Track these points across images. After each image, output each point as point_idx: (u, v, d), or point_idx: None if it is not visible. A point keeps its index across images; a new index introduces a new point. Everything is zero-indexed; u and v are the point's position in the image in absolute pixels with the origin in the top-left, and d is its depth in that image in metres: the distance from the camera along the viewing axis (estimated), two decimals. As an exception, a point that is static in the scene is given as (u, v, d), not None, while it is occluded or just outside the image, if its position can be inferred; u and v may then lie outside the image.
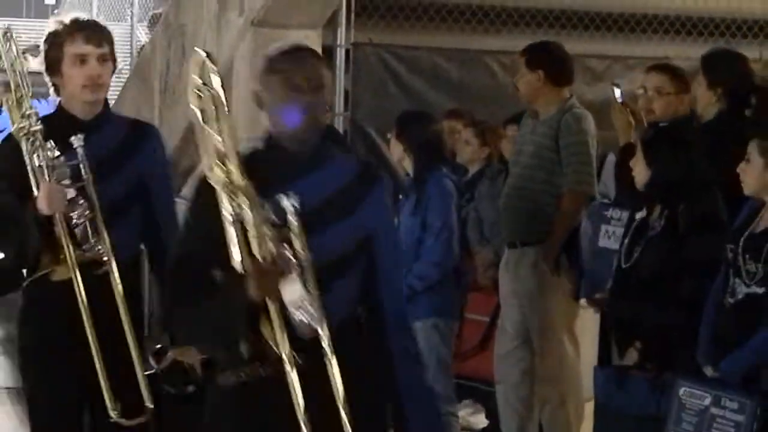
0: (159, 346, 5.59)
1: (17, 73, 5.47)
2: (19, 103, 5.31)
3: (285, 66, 4.53)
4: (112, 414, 5.46)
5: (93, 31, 5.67)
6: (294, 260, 4.29)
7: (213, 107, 4.36)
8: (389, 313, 4.64)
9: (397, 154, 8.67)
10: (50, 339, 5.56)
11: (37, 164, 5.34)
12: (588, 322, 8.55)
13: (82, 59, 5.57)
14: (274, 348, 4.34)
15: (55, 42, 5.62)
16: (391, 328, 4.63)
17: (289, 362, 4.29)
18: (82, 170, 5.38)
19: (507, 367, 8.83)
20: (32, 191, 5.34)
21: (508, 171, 9.06)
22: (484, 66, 12.56)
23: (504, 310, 8.91)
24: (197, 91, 4.36)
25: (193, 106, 4.37)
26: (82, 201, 5.32)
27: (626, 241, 7.16)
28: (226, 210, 4.30)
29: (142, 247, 6.00)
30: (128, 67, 17.08)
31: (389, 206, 4.92)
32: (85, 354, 5.42)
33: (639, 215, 7.11)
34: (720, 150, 6.99)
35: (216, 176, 4.35)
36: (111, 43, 5.74)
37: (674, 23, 12.80)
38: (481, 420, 10.02)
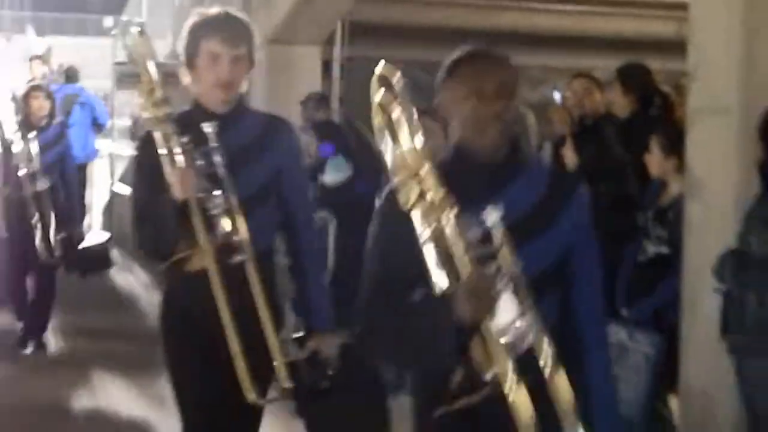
0: (298, 335, 4.76)
1: (148, 65, 4.53)
2: (151, 92, 4.46)
3: (472, 71, 3.62)
4: (249, 396, 4.49)
5: (231, 32, 4.65)
6: (505, 277, 3.25)
7: (401, 121, 3.54)
8: (588, 332, 3.57)
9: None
10: (191, 324, 4.60)
11: (170, 152, 4.42)
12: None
13: (215, 58, 4.58)
14: (488, 372, 3.23)
15: (193, 36, 4.65)
16: (592, 346, 3.57)
17: (510, 384, 3.19)
18: (215, 157, 4.46)
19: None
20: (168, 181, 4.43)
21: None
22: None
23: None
24: (380, 108, 3.54)
25: (378, 124, 3.55)
26: (217, 192, 4.39)
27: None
28: (422, 226, 3.30)
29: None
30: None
31: (587, 220, 3.83)
32: (222, 340, 4.47)
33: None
34: (634, 141, 7.01)
35: (406, 192, 3.37)
36: (249, 43, 4.69)
37: (597, 41, 12.81)
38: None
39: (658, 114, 7.65)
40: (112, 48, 22.24)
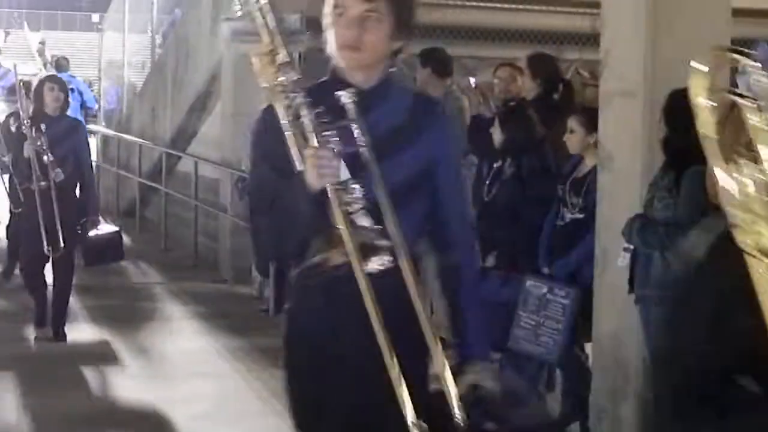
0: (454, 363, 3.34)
1: (267, 26, 3.07)
2: (273, 56, 3.06)
3: None
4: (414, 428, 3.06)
5: None
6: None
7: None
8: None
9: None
10: (320, 337, 3.25)
11: (297, 129, 3.09)
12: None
13: (339, 13, 3.23)
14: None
15: None
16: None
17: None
18: (356, 133, 3.14)
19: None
20: (296, 166, 3.10)
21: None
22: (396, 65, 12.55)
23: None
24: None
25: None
26: (355, 184, 3.06)
27: (487, 182, 7.21)
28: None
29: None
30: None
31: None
32: (361, 356, 3.16)
33: (496, 165, 7.15)
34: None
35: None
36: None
37: (523, 34, 12.81)
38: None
39: (560, 98, 7.77)
40: (99, 41, 22.02)
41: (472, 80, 8.40)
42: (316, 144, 3.04)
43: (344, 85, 3.18)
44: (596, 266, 6.16)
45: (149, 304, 10.14)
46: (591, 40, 12.30)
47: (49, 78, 9.10)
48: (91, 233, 8.80)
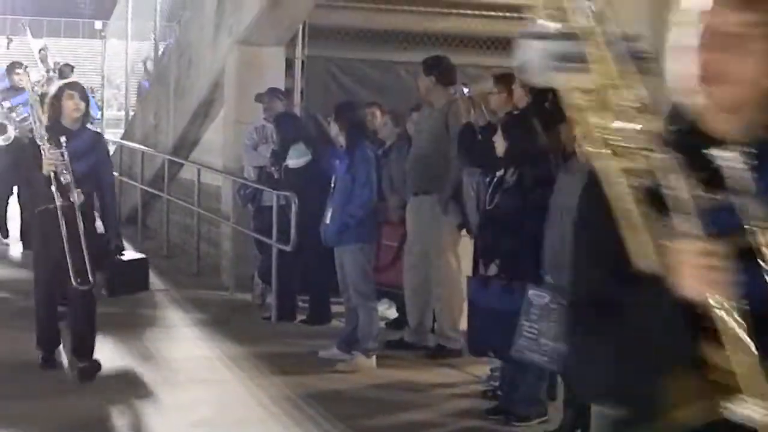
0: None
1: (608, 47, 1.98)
2: (614, 93, 1.93)
3: None
4: None
5: None
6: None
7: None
8: None
9: (334, 131, 8.67)
10: None
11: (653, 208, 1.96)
12: (466, 244, 8.61)
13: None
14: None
15: None
16: None
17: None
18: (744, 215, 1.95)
19: (411, 276, 8.89)
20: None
21: (411, 144, 9.10)
22: (396, 72, 12.59)
23: (409, 238, 8.95)
24: None
25: None
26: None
27: (489, 191, 7.21)
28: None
29: None
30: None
31: None
32: None
33: (498, 173, 7.16)
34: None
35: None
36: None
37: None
38: (393, 313, 10.06)
39: (551, 107, 7.76)
40: (101, 48, 22.05)
41: (466, 90, 8.42)
42: (697, 231, 1.96)
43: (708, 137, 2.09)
44: (598, 275, 6.14)
45: (151, 311, 10.14)
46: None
47: (69, 85, 8.01)
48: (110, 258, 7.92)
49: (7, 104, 12.88)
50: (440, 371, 8.27)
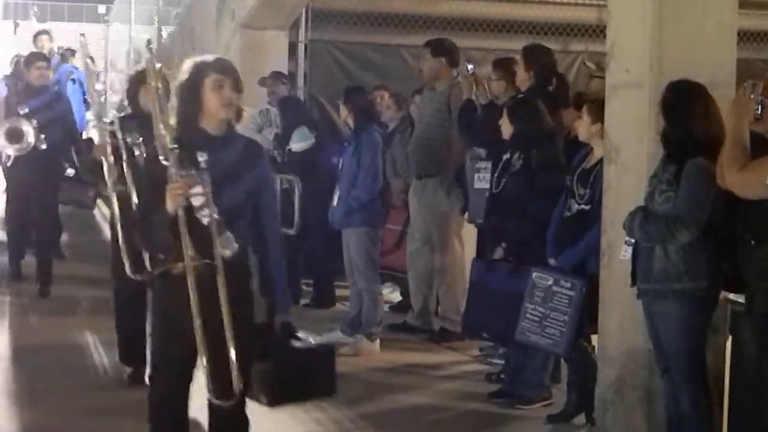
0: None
1: None
2: None
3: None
4: None
5: None
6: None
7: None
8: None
9: (344, 114, 8.65)
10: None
11: None
12: (470, 229, 8.60)
13: None
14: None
15: None
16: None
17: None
18: None
19: (415, 260, 8.89)
20: None
21: (414, 126, 9.08)
22: (399, 55, 12.55)
23: (412, 221, 8.95)
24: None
25: None
26: None
27: (496, 175, 7.20)
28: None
29: None
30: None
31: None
32: None
33: (505, 157, 7.14)
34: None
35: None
36: None
37: (528, 26, 12.80)
38: (397, 296, 10.06)
39: (554, 90, 7.75)
40: (105, 33, 22.01)
41: (470, 66, 8.39)
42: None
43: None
44: (602, 258, 6.14)
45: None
46: (597, 31, 12.32)
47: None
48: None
49: (24, 110, 9.98)
50: (444, 355, 8.27)
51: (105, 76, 20.52)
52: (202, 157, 4.38)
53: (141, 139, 6.07)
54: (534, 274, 6.51)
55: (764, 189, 4.76)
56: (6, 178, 10.54)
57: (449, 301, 8.73)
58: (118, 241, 6.69)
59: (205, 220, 4.41)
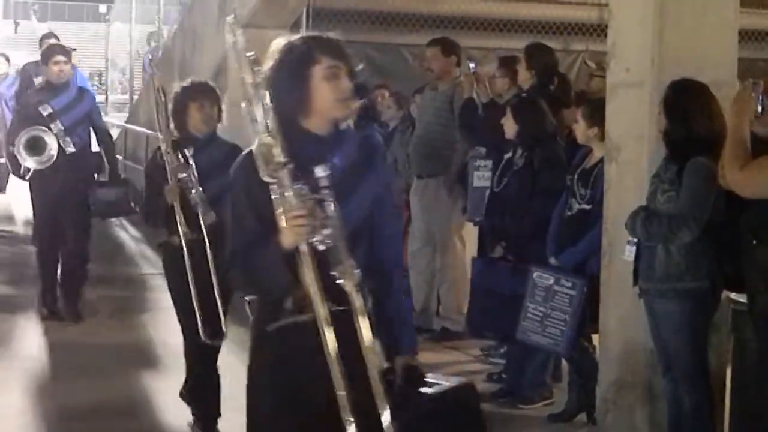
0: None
1: None
2: None
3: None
4: None
5: None
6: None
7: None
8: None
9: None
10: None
11: None
12: (471, 228, 8.60)
13: None
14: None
15: None
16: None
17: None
18: None
19: (416, 259, 8.88)
20: None
21: (414, 126, 9.08)
22: (400, 55, 12.56)
23: (413, 220, 8.94)
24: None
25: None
26: None
27: (497, 173, 7.21)
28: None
29: None
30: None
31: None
32: None
33: (507, 156, 7.14)
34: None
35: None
36: None
37: (529, 25, 12.80)
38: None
39: (555, 89, 7.75)
40: (106, 32, 22.00)
41: (472, 65, 8.38)
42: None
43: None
44: (603, 257, 6.14)
45: (151, 294, 10.12)
46: (598, 31, 12.31)
47: (196, 87, 6.17)
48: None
49: (46, 110, 8.79)
50: (445, 354, 8.26)
51: (106, 75, 20.54)
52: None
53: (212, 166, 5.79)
54: (535, 274, 6.51)
55: (765, 188, 4.76)
56: (30, 189, 9.08)
57: (450, 300, 8.73)
58: (189, 299, 5.90)
59: (194, 200, 5.47)
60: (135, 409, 6.82)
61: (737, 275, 5.22)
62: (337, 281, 3.32)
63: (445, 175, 8.61)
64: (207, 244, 5.81)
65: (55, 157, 8.68)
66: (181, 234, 5.85)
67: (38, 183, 8.86)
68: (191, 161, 5.87)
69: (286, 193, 3.27)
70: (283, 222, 3.26)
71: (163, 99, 6.12)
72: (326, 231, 3.29)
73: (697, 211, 5.29)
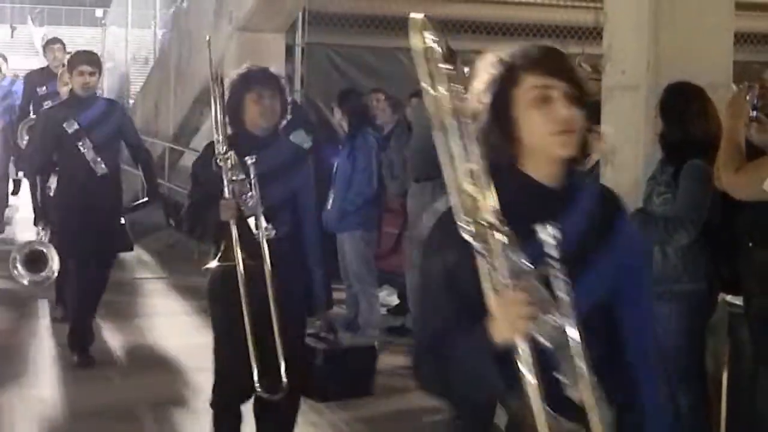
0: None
1: None
2: None
3: None
4: None
5: None
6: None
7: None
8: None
9: (338, 117, 8.66)
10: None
11: None
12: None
13: None
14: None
15: None
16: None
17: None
18: None
19: (414, 263, 8.88)
20: None
21: (411, 129, 9.08)
22: (396, 58, 12.54)
23: (410, 224, 8.94)
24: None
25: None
26: None
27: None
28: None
29: None
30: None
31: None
32: None
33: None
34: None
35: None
36: None
37: (525, 28, 12.80)
38: (395, 299, 10.04)
39: None
40: (102, 36, 21.98)
41: (466, 69, 8.39)
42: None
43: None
44: (599, 260, 6.11)
45: (152, 299, 10.12)
46: (594, 34, 12.32)
47: (255, 74, 5.15)
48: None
49: (72, 126, 7.74)
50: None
51: (103, 79, 20.53)
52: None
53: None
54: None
55: (760, 191, 4.76)
56: (50, 221, 8.03)
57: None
58: (242, 340, 4.92)
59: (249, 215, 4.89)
60: (133, 413, 6.82)
61: (733, 277, 5.22)
62: (567, 394, 2.40)
63: (441, 178, 8.60)
64: (268, 270, 4.84)
65: (52, 279, 7.90)
66: (237, 259, 4.87)
67: (64, 213, 7.75)
68: (250, 165, 4.88)
69: (498, 265, 2.36)
70: (494, 305, 2.36)
71: (219, 90, 5.08)
72: (554, 321, 2.38)
73: (694, 213, 5.29)
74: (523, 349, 2.32)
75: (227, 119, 5.02)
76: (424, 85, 2.44)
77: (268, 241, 4.85)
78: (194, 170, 5.33)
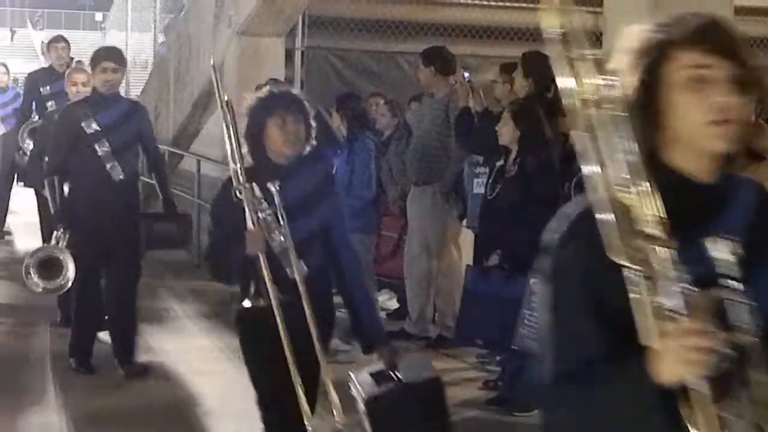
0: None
1: None
2: None
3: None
4: None
5: None
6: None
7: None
8: None
9: (336, 122, 8.66)
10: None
11: None
12: (467, 236, 8.60)
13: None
14: None
15: None
16: None
17: None
18: None
19: (412, 267, 8.87)
20: None
21: (411, 134, 9.08)
22: (396, 63, 12.57)
23: (410, 228, 8.94)
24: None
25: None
26: None
27: (490, 180, 7.19)
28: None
29: None
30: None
31: None
32: None
33: (498, 163, 7.13)
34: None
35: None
36: None
37: (525, 33, 12.79)
38: (394, 304, 10.04)
39: (553, 97, 7.71)
40: (102, 40, 21.98)
41: (466, 74, 8.38)
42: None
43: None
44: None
45: (152, 303, 10.11)
46: (593, 38, 12.33)
47: (277, 96, 4.81)
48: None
49: (91, 126, 7.30)
50: (441, 362, 8.22)
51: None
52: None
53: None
54: (532, 281, 6.49)
55: None
56: (64, 229, 7.38)
57: (446, 308, 8.72)
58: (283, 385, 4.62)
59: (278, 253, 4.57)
60: (138, 416, 6.82)
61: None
62: None
63: (441, 182, 8.62)
64: (310, 314, 4.54)
65: (67, 287, 7.36)
66: (271, 296, 4.49)
67: (79, 220, 7.30)
68: (276, 196, 4.53)
69: (662, 288, 1.93)
70: (659, 337, 1.93)
71: (230, 117, 4.70)
72: (726, 354, 1.94)
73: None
74: (699, 390, 1.90)
75: (246, 147, 4.67)
76: (559, 76, 2.09)
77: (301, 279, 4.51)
78: (213, 209, 4.99)
